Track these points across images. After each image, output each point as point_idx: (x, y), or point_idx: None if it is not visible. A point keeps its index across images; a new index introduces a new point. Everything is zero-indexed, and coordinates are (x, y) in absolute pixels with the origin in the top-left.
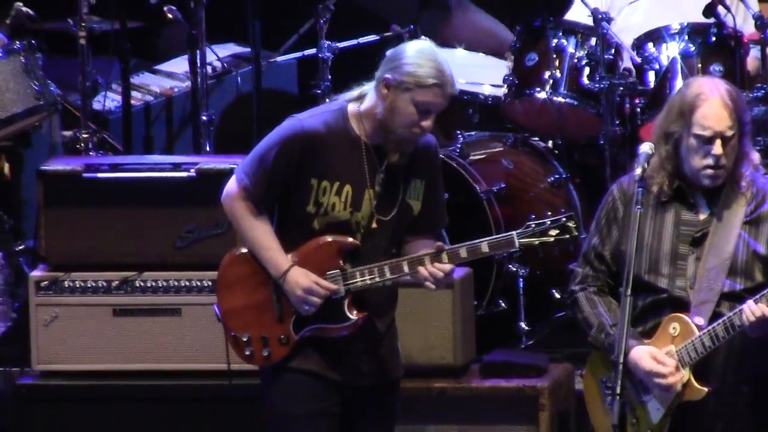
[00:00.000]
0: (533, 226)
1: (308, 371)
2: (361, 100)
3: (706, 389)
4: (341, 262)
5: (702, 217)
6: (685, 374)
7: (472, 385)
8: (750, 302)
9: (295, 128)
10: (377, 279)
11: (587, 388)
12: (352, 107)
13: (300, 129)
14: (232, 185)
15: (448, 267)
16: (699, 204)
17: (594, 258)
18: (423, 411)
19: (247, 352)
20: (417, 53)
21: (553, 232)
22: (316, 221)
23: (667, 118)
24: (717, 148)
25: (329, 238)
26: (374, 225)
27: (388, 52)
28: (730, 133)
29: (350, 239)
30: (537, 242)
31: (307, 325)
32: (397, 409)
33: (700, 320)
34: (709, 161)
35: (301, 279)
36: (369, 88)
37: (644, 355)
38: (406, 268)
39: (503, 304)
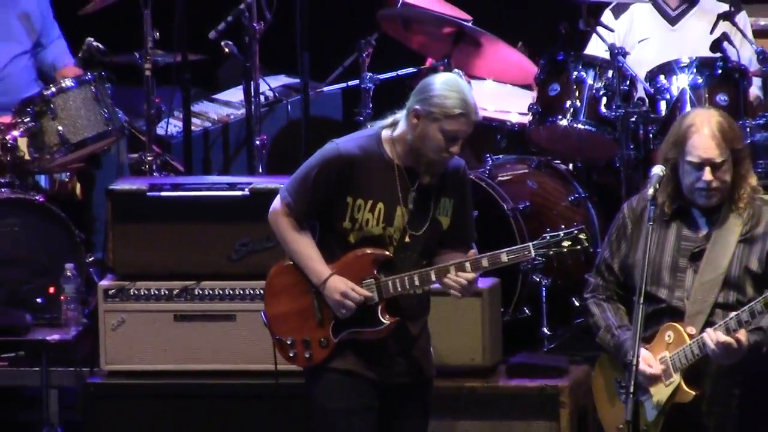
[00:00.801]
0: (548, 237)
1: (346, 370)
2: (394, 127)
3: (693, 393)
4: (375, 272)
5: (701, 234)
6: (677, 378)
7: (499, 384)
8: (708, 331)
9: (333, 151)
10: (407, 287)
11: (596, 387)
12: (385, 133)
13: (337, 152)
14: (277, 203)
15: (471, 276)
16: (699, 222)
17: (604, 269)
18: (455, 408)
19: (291, 354)
20: (443, 85)
21: (566, 243)
22: (351, 235)
23: (666, 146)
24: (707, 174)
25: (365, 251)
26: (407, 239)
27: (418, 85)
28: (719, 160)
29: (384, 251)
30: (552, 252)
31: (345, 329)
32: (429, 406)
33: (692, 330)
34: (701, 185)
35: (339, 285)
36: (401, 116)
37: (643, 354)
38: (433, 277)
39: (527, 311)
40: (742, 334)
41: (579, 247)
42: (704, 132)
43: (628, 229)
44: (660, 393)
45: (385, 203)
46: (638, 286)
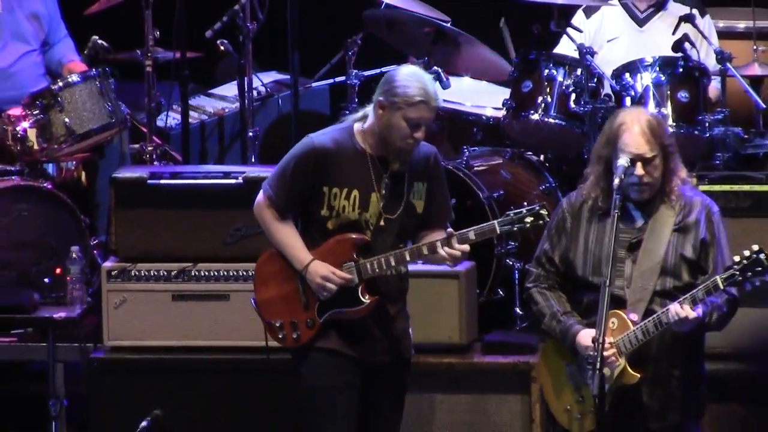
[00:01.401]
0: (512, 215)
1: (330, 350)
2: (365, 119)
3: (638, 375)
4: (355, 255)
5: (637, 225)
6: (622, 362)
7: (475, 360)
8: (675, 303)
9: (308, 145)
10: (384, 267)
11: (542, 373)
12: (357, 126)
13: (312, 146)
14: (260, 196)
15: (465, 247)
16: (634, 215)
17: (545, 261)
18: (433, 383)
19: (280, 336)
20: (404, 76)
21: (529, 219)
22: (330, 222)
23: (599, 145)
24: (638, 169)
25: (344, 236)
26: (382, 223)
27: (383, 78)
28: (649, 155)
29: (362, 236)
30: (515, 228)
31: (329, 310)
32: (406, 386)
33: (635, 316)
34: (634, 180)
35: (320, 269)
36: (370, 109)
37: (587, 336)
38: (408, 257)
39: (501, 293)
40: (699, 309)
41: (541, 221)
42: (635, 130)
43: (568, 223)
44: (595, 385)
45: (360, 190)
46: (605, 269)
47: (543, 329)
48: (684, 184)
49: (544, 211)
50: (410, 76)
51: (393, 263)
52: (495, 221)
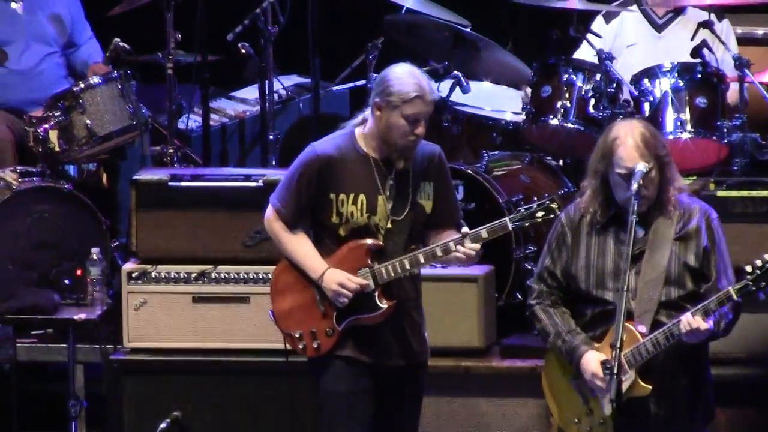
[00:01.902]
0: (522, 210)
1: (346, 357)
2: (365, 123)
3: (650, 387)
4: (369, 261)
5: (638, 237)
6: (632, 374)
7: (493, 364)
8: (687, 314)
9: (311, 154)
10: (399, 271)
11: (548, 388)
12: (358, 130)
13: (314, 154)
14: (269, 210)
15: (477, 246)
16: (635, 226)
17: (547, 276)
18: (452, 386)
19: (301, 346)
20: (397, 74)
21: (540, 214)
22: (341, 229)
23: (595, 159)
24: (635, 183)
25: (357, 242)
26: (390, 225)
27: (376, 79)
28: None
29: (375, 241)
30: (527, 224)
31: (347, 317)
32: (422, 389)
33: (643, 328)
34: (631, 193)
35: (335, 277)
36: (368, 112)
37: (592, 359)
38: (422, 259)
39: (519, 297)
40: (711, 320)
41: (552, 215)
42: (628, 143)
43: (568, 237)
44: (613, 389)
45: (366, 194)
46: (622, 276)
47: (548, 347)
48: (680, 193)
49: (554, 205)
50: (403, 74)
51: (408, 266)
52: (506, 218)
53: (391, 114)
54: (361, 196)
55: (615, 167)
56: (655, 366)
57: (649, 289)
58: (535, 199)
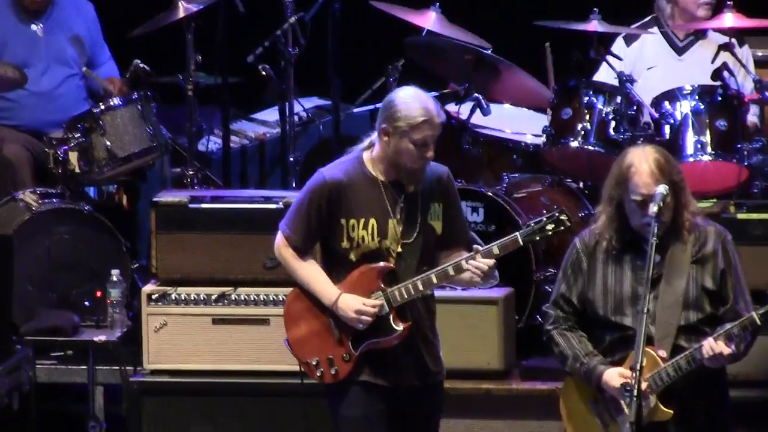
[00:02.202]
0: (532, 224)
1: (360, 381)
2: (372, 147)
3: (671, 412)
4: (381, 283)
5: (655, 261)
6: (653, 399)
7: (513, 386)
8: (710, 339)
9: (320, 181)
10: (413, 293)
11: (566, 412)
12: (366, 154)
13: (323, 180)
14: (278, 237)
15: (491, 262)
16: (649, 251)
17: (563, 303)
18: (472, 408)
19: (318, 373)
20: (403, 99)
21: (550, 227)
22: (351, 254)
23: (610, 185)
24: (651, 209)
25: (369, 266)
26: (402, 248)
27: (382, 104)
28: None
29: (385, 264)
30: (538, 237)
31: (363, 342)
32: (440, 408)
33: (663, 353)
34: (647, 220)
35: (351, 302)
36: (375, 137)
37: (614, 375)
38: (435, 280)
39: (540, 319)
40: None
41: (562, 228)
42: (643, 170)
43: (583, 263)
44: (632, 412)
45: (377, 218)
46: (642, 297)
47: (566, 371)
48: (694, 216)
49: (563, 217)
50: (409, 98)
51: (421, 287)
52: (517, 233)
53: (400, 140)
54: (372, 221)
55: (631, 194)
56: (675, 390)
57: (667, 314)
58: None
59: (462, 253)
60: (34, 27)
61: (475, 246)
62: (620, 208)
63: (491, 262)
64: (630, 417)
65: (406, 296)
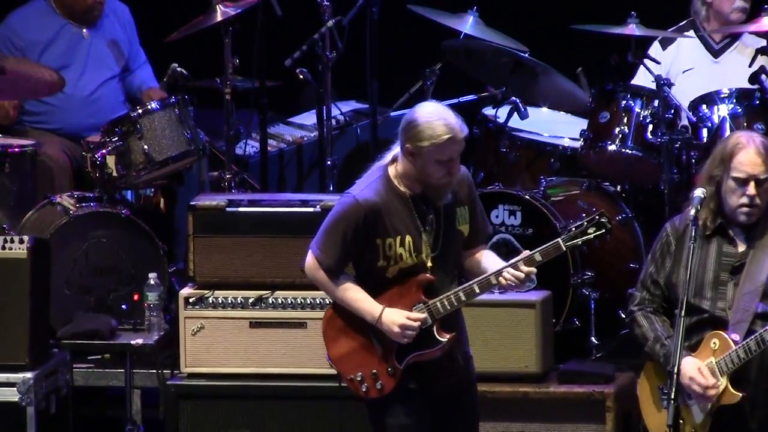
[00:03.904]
0: (573, 229)
1: (407, 389)
2: (396, 162)
3: (740, 395)
4: (422, 296)
5: (741, 249)
6: (723, 381)
7: (551, 389)
8: None
9: (353, 205)
10: (456, 304)
11: (642, 393)
12: (391, 170)
13: (357, 205)
14: (310, 259)
15: (529, 269)
16: (738, 238)
17: (650, 284)
18: (510, 411)
19: (364, 389)
20: (424, 117)
21: (591, 230)
22: (388, 271)
23: (711, 164)
24: (751, 188)
25: (407, 280)
26: (437, 259)
27: (402, 122)
28: (763, 176)
29: (424, 276)
30: (580, 242)
31: (408, 354)
32: (477, 408)
33: (736, 336)
34: (745, 200)
35: (394, 317)
36: (398, 151)
37: (691, 365)
38: (477, 290)
39: (577, 323)
40: None
41: (603, 230)
42: (750, 149)
43: (672, 246)
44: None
45: (412, 234)
46: (680, 299)
47: (646, 352)
48: None
49: (604, 219)
50: (431, 116)
51: (464, 298)
52: (559, 239)
53: (425, 159)
54: (408, 238)
55: (733, 171)
56: (749, 375)
57: (746, 301)
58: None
59: (483, 249)
60: (79, 30)
61: (523, 253)
62: (719, 189)
63: (532, 270)
64: (668, 420)
65: (449, 307)
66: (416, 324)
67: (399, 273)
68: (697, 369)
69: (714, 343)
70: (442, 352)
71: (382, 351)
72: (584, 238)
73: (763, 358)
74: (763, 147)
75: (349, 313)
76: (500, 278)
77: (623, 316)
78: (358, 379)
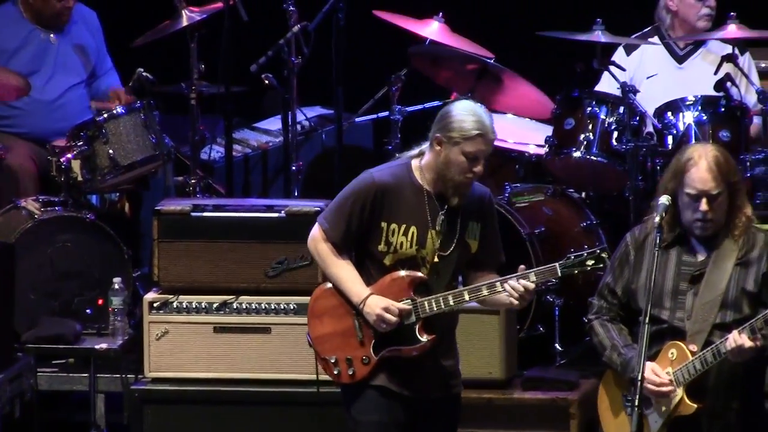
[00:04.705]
0: (572, 257)
1: (380, 387)
2: (422, 156)
3: (695, 405)
4: (412, 293)
5: (700, 258)
6: (680, 392)
7: (515, 396)
8: (734, 332)
9: (368, 181)
10: (443, 306)
11: (601, 402)
12: (414, 162)
13: (372, 181)
14: (315, 230)
15: (531, 285)
16: (697, 248)
17: (608, 293)
18: (473, 417)
19: (335, 372)
20: (460, 111)
21: (590, 262)
22: (387, 258)
23: (667, 177)
24: (703, 205)
25: (402, 273)
26: (437, 260)
27: (438, 113)
28: (715, 192)
29: (419, 274)
30: (576, 271)
31: (385, 347)
32: (457, 420)
33: (694, 347)
34: (698, 216)
35: (378, 302)
36: (426, 146)
37: (647, 370)
38: (467, 297)
39: (541, 329)
40: (758, 339)
41: (602, 265)
42: (702, 166)
43: (631, 256)
44: (664, 406)
45: (417, 227)
46: (644, 308)
47: (603, 361)
48: (749, 221)
49: (604, 255)
50: (466, 110)
51: (452, 302)
52: (556, 263)
53: (451, 150)
54: (413, 228)
55: (685, 187)
56: (707, 386)
57: (704, 311)
58: (579, 249)
59: (492, 276)
60: (47, 35)
61: (521, 267)
62: (675, 202)
63: (530, 285)
64: (632, 427)
65: (435, 308)
66: (398, 314)
67: (397, 263)
68: (650, 369)
69: (672, 353)
70: (419, 352)
71: (361, 338)
72: (581, 268)
73: (721, 369)
74: (715, 163)
75: (338, 297)
76: (497, 290)
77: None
78: (332, 361)
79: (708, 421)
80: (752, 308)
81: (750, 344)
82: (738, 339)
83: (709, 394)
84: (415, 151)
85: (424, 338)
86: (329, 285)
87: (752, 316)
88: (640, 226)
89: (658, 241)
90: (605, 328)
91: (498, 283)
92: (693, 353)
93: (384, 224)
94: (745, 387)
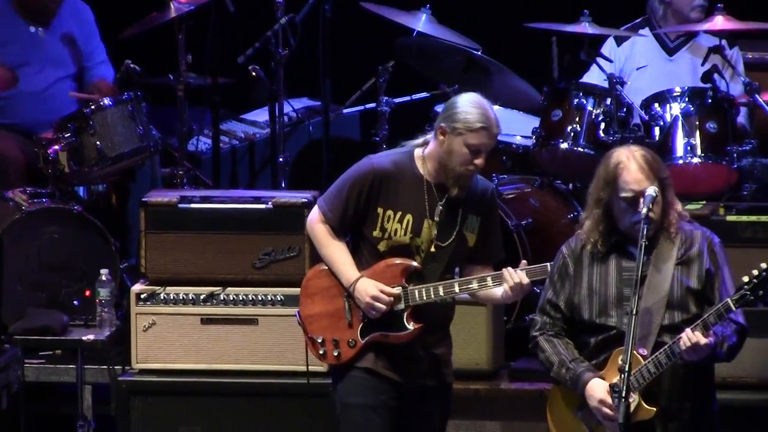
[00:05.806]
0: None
1: (368, 369)
2: (425, 145)
3: (654, 409)
4: (404, 281)
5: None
6: (636, 398)
7: (502, 387)
8: (687, 330)
9: (367, 166)
10: (432, 296)
11: (552, 420)
12: (417, 151)
13: (370, 167)
14: (314, 212)
15: (526, 279)
16: (634, 252)
17: (550, 308)
18: (460, 408)
19: (321, 352)
20: (466, 103)
21: None
22: (381, 244)
23: (596, 187)
24: (641, 210)
25: (395, 260)
26: (433, 250)
27: (445, 104)
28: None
29: (413, 262)
30: None
31: (372, 332)
32: (449, 409)
33: (644, 351)
34: (638, 217)
35: (368, 287)
36: (430, 136)
37: (600, 388)
38: (457, 288)
39: (528, 320)
40: (711, 335)
41: None
42: (632, 167)
43: (570, 268)
44: (621, 413)
45: (413, 215)
46: (632, 299)
47: (552, 377)
48: (681, 217)
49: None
50: (472, 103)
51: (441, 293)
52: (547, 263)
53: (454, 140)
54: (408, 216)
55: (620, 192)
56: (661, 389)
57: (650, 313)
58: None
59: (489, 272)
60: (35, 29)
61: (523, 262)
62: (607, 210)
63: (525, 278)
64: (619, 417)
65: (425, 298)
66: (387, 299)
67: (391, 249)
68: (606, 391)
69: (622, 359)
70: (405, 339)
71: (350, 321)
72: None
73: (674, 368)
74: (645, 161)
75: (332, 278)
76: (487, 285)
77: None
78: (319, 341)
79: (662, 423)
80: (698, 306)
81: (705, 341)
82: (692, 337)
83: (662, 395)
84: (420, 140)
85: (411, 326)
86: (324, 266)
87: (700, 314)
88: (573, 238)
89: (644, 233)
90: (551, 344)
91: (489, 278)
92: (644, 357)
93: (380, 210)
94: (697, 386)
